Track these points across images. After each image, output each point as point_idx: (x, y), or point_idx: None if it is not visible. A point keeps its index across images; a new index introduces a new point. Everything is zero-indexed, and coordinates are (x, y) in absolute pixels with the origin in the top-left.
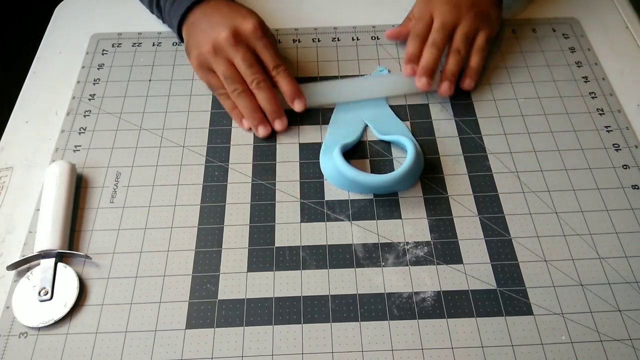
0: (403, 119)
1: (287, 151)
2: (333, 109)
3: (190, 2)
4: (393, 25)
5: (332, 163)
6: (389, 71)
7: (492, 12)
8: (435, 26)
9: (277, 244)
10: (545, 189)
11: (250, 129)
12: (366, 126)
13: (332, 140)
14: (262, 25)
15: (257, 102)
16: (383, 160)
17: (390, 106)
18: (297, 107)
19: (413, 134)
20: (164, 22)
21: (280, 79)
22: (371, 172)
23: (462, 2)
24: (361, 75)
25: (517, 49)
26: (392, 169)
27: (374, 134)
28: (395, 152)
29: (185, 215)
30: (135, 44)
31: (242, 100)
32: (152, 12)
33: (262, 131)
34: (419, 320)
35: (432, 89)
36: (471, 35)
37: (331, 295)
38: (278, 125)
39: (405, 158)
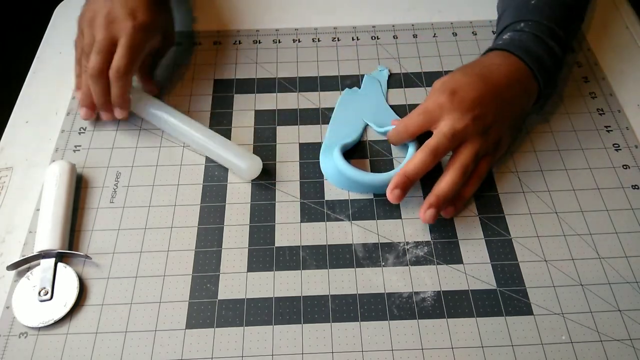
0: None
1: (287, 151)
2: (333, 108)
3: None
4: (393, 26)
5: (332, 163)
6: (389, 71)
7: (505, 139)
8: (443, 129)
9: (277, 244)
10: (545, 189)
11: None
12: (366, 126)
13: (332, 140)
14: (141, 28)
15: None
16: (383, 160)
17: (391, 106)
18: (116, 114)
19: None
20: None
21: (112, 82)
22: (371, 172)
23: (483, 117)
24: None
25: None
26: (392, 169)
27: (375, 130)
28: (395, 152)
29: (185, 215)
30: None
31: (85, 79)
32: None
33: (83, 113)
34: (419, 320)
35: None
36: (479, 158)
37: (331, 295)
38: (104, 115)
39: (405, 158)
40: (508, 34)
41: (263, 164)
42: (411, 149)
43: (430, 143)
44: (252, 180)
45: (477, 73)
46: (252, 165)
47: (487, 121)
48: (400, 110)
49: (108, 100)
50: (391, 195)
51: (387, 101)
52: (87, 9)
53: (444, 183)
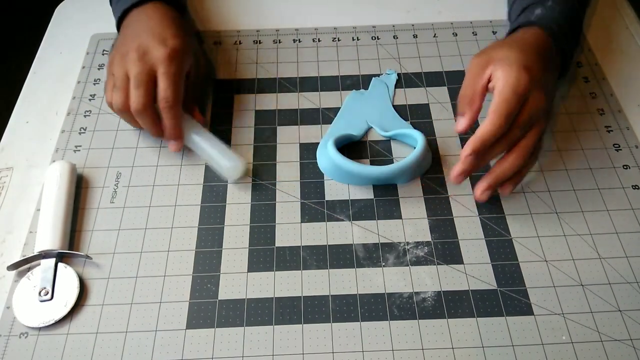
0: (404, 119)
1: (287, 151)
2: (334, 108)
3: (126, 6)
4: (393, 26)
5: (327, 155)
6: (398, 74)
7: None
8: (524, 118)
9: (277, 244)
10: (545, 189)
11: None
12: (369, 128)
13: (330, 136)
14: (175, 53)
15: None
16: (383, 160)
17: (393, 106)
18: (172, 147)
19: None
20: None
21: (163, 114)
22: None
23: (550, 96)
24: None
25: None
26: None
27: (379, 133)
28: (395, 152)
29: (186, 215)
30: None
31: (121, 115)
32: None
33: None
34: (419, 320)
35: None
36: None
37: (331, 295)
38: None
39: (404, 158)
40: (539, 10)
41: (264, 163)
42: (420, 139)
43: (523, 141)
44: (252, 181)
45: (533, 51)
46: (236, 167)
47: (551, 101)
48: (401, 110)
49: (161, 131)
50: (456, 179)
51: (392, 102)
52: (114, 52)
53: (508, 165)
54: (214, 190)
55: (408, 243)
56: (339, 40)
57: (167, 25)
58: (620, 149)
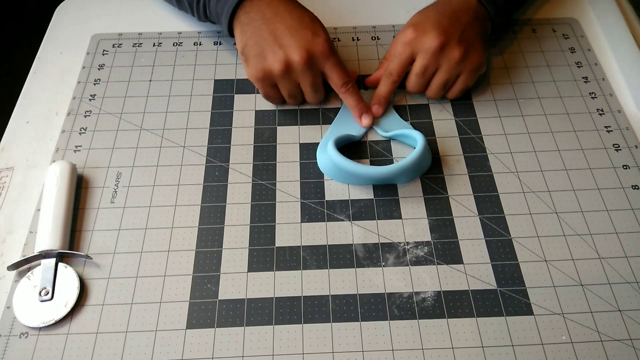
0: (404, 119)
1: (287, 151)
2: (333, 108)
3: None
4: (393, 26)
5: (327, 155)
6: None
7: (479, 58)
8: (415, 70)
9: (277, 244)
10: (545, 189)
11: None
12: (369, 128)
13: (330, 137)
14: (330, 42)
15: None
16: (383, 160)
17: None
18: (365, 122)
19: None
20: (205, 18)
21: (347, 96)
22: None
23: (450, 42)
24: None
25: (517, 49)
26: None
27: (379, 134)
28: (395, 152)
29: (186, 215)
30: (135, 44)
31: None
32: (186, 10)
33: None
34: (419, 320)
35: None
36: (449, 85)
37: (331, 295)
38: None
39: (404, 158)
40: None
41: (264, 163)
42: (420, 139)
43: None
44: (252, 181)
45: (449, 13)
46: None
47: (478, 54)
48: (401, 110)
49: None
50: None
51: (392, 105)
52: (253, 57)
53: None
54: (214, 190)
55: (408, 243)
56: (338, 40)
57: (299, 16)
58: (620, 149)
